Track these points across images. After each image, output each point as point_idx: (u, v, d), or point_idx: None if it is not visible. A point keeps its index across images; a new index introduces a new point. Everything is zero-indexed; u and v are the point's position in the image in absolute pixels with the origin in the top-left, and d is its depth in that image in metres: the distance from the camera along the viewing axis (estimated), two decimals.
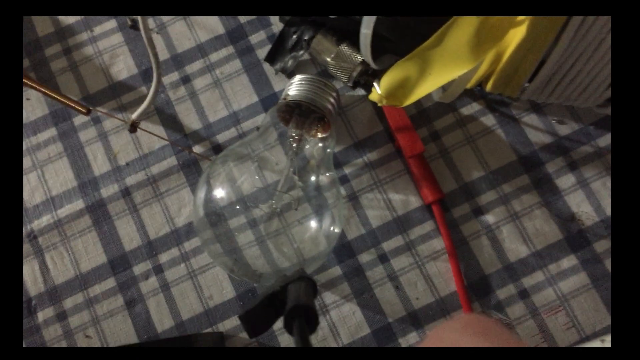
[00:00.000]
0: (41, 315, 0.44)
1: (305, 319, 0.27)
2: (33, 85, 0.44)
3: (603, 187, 0.43)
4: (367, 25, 0.37)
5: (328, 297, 0.43)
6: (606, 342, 0.33)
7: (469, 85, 0.40)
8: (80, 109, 0.44)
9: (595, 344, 0.34)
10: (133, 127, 0.43)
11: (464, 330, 0.15)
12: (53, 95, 0.44)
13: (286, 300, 0.28)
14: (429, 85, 0.37)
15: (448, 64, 0.35)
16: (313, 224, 0.42)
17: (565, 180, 0.44)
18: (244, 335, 0.43)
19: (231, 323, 0.43)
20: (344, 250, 0.44)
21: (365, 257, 0.44)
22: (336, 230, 0.41)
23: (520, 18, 0.33)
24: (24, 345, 0.43)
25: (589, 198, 0.43)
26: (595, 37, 0.33)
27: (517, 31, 0.34)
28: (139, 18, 0.37)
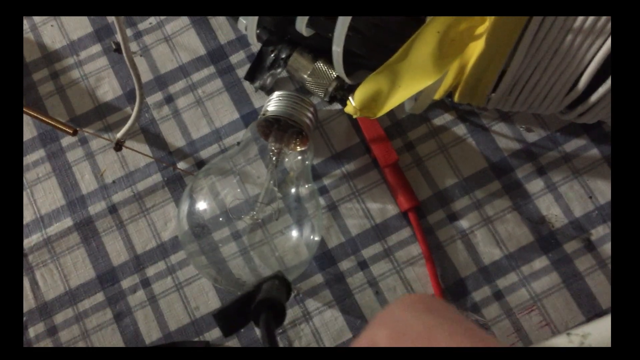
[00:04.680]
0: (32, 331, 0.45)
1: (273, 312, 0.28)
2: (24, 110, 0.46)
3: (570, 190, 0.45)
4: (338, 42, 0.39)
5: (311, 304, 0.44)
6: (572, 335, 0.35)
7: (437, 97, 0.42)
8: (67, 130, 0.45)
9: (563, 338, 0.36)
10: (118, 145, 0.44)
11: (410, 308, 0.17)
12: (41, 117, 0.46)
13: (255, 301, 0.30)
14: (399, 97, 0.39)
15: (415, 75, 0.37)
16: (294, 233, 0.44)
17: (535, 185, 0.46)
18: (231, 344, 0.44)
19: (217, 332, 0.44)
20: (324, 258, 0.45)
21: (345, 265, 0.45)
22: (316, 239, 0.43)
23: (478, 32, 0.35)
24: None
25: (558, 201, 0.45)
26: (548, 49, 0.35)
27: (477, 44, 0.36)
28: (121, 41, 0.39)
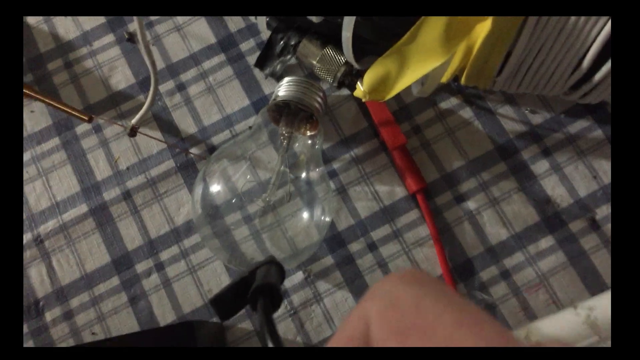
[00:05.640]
0: (49, 315, 0.46)
1: (269, 297, 0.29)
2: (38, 97, 0.47)
3: (575, 171, 0.46)
4: (348, 28, 0.40)
5: (321, 285, 0.45)
6: (579, 307, 0.36)
7: (444, 79, 0.43)
8: (82, 117, 0.46)
9: (570, 312, 0.37)
10: (133, 131, 0.45)
11: (399, 281, 0.18)
12: (58, 105, 0.47)
13: (251, 286, 0.30)
14: (407, 79, 0.39)
15: (422, 58, 0.38)
16: (305, 216, 0.45)
17: (540, 166, 0.46)
18: (243, 325, 0.45)
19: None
20: (334, 240, 0.46)
21: (355, 247, 0.46)
22: (326, 221, 0.44)
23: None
24: (33, 345, 0.46)
25: (563, 182, 0.46)
26: (552, 30, 0.36)
27: (483, 26, 0.37)
28: (137, 29, 0.40)
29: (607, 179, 0.46)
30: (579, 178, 0.46)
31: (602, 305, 0.37)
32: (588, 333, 0.34)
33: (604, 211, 0.45)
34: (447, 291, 0.17)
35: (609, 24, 0.36)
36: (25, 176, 0.49)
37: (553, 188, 0.46)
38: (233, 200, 0.44)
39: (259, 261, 0.32)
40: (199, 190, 0.44)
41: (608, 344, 0.38)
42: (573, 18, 0.36)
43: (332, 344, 0.17)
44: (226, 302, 0.31)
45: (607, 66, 0.38)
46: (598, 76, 0.38)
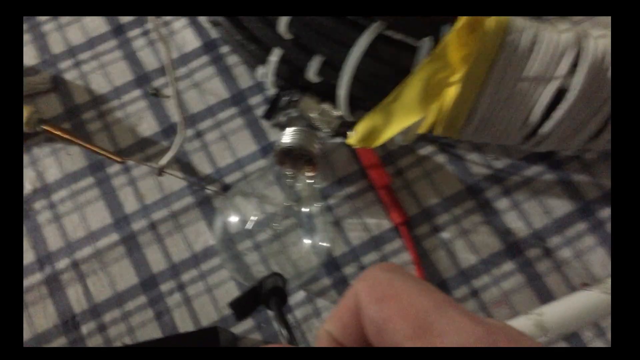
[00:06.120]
0: (85, 329, 0.53)
1: (279, 296, 0.39)
2: (78, 142, 0.56)
3: (530, 207, 0.55)
4: (344, 87, 0.49)
5: (320, 302, 0.54)
6: (530, 313, 0.45)
7: (421, 131, 0.52)
8: (116, 158, 0.55)
9: (523, 317, 0.45)
10: (160, 171, 0.54)
11: (378, 268, 0.25)
12: (96, 149, 0.55)
13: (262, 291, 0.40)
14: (392, 130, 0.48)
15: (404, 113, 0.47)
16: (306, 243, 0.53)
17: (502, 203, 0.56)
18: (253, 336, 0.53)
19: (242, 327, 0.53)
20: (331, 264, 0.55)
21: (348, 270, 0.54)
22: (324, 247, 0.52)
23: (452, 79, 0.46)
24: None
25: (520, 216, 0.55)
26: (506, 92, 0.46)
27: (452, 89, 0.46)
28: (171, 85, 0.49)
29: (556, 213, 0.55)
30: (534, 213, 0.55)
31: (549, 310, 0.46)
32: (538, 333, 0.43)
33: (554, 241, 0.54)
34: (412, 275, 0.25)
35: (551, 87, 0.45)
36: (63, 209, 0.57)
37: (513, 221, 0.55)
38: (245, 230, 0.53)
39: (266, 275, 0.42)
40: (218, 221, 0.52)
41: (557, 344, 0.47)
42: (522, 83, 0.46)
43: (333, 313, 0.25)
44: (242, 305, 0.40)
45: (551, 121, 0.47)
46: (544, 130, 0.48)
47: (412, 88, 0.46)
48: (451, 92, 0.47)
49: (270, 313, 0.50)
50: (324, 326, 0.24)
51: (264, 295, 0.40)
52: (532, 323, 0.44)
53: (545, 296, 0.53)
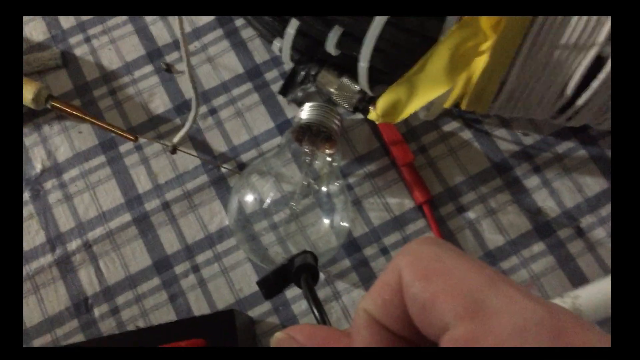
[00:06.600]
0: (97, 311, 0.52)
1: (310, 274, 0.36)
2: (89, 119, 0.54)
3: (562, 186, 0.53)
4: (364, 59, 0.47)
5: (339, 285, 0.51)
6: (565, 296, 0.42)
7: (446, 105, 0.50)
8: (129, 136, 0.53)
9: (557, 300, 0.43)
10: (174, 149, 0.52)
11: (422, 242, 0.23)
12: (107, 127, 0.53)
13: (293, 270, 0.38)
14: (415, 104, 0.46)
15: (429, 86, 0.45)
16: (325, 224, 0.51)
17: (531, 181, 0.53)
18: (269, 320, 0.51)
19: (259, 310, 0.51)
20: (351, 245, 0.52)
21: (369, 251, 0.52)
22: (344, 227, 0.50)
23: (482, 48, 0.43)
24: (84, 338, 0.51)
25: (551, 195, 0.52)
26: (541, 61, 0.43)
27: (482, 59, 0.44)
28: (185, 59, 0.46)
29: (590, 192, 0.52)
30: (566, 191, 0.52)
31: (586, 293, 0.43)
32: None
33: (587, 220, 0.52)
34: (458, 249, 0.23)
35: (589, 56, 0.42)
36: (74, 189, 0.55)
37: (543, 200, 0.52)
38: (261, 210, 0.50)
39: (296, 252, 0.39)
40: (233, 201, 0.50)
41: None
42: (558, 51, 0.43)
43: (372, 290, 0.23)
44: (269, 284, 0.38)
45: (588, 92, 0.44)
46: (580, 101, 0.45)
47: (439, 58, 0.43)
48: (481, 62, 0.44)
49: (299, 292, 0.48)
50: (361, 304, 0.22)
51: (294, 273, 0.38)
52: (567, 307, 0.41)
53: (578, 279, 0.50)
